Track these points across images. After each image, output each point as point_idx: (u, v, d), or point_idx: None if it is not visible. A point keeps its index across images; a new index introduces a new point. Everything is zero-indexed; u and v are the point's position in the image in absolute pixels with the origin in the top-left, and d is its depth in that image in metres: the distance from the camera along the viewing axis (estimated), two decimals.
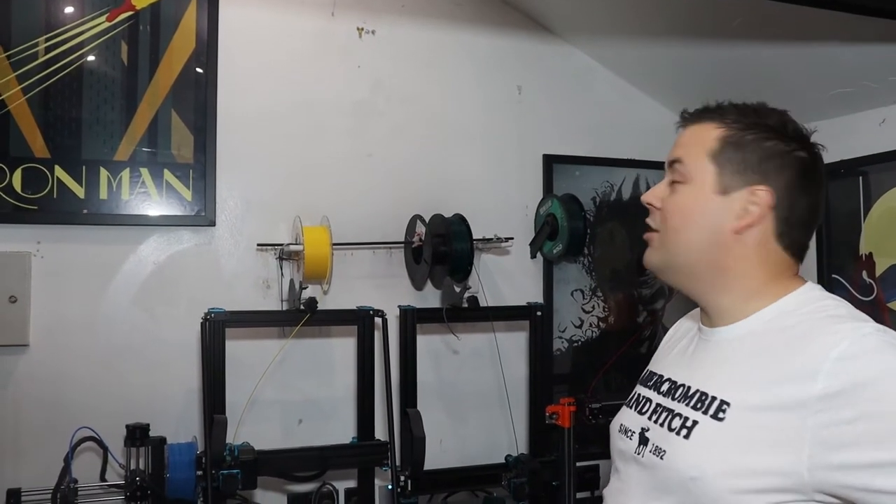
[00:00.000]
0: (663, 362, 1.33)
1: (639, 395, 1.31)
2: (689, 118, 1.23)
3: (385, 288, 2.67)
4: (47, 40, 2.42)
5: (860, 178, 2.58)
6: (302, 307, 2.35)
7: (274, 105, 2.62)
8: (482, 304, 2.57)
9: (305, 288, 2.42)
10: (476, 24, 2.87)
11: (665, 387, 1.23)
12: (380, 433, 2.43)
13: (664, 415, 1.19)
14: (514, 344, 2.81)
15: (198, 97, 2.54)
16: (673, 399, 1.19)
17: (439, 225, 2.56)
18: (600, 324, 2.99)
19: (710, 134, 1.18)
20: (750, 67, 2.58)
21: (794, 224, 1.16)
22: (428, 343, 2.69)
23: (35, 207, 2.39)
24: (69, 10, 2.44)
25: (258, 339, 2.53)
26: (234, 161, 2.56)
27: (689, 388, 1.17)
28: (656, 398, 1.24)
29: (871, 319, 1.08)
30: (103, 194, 2.45)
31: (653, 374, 1.32)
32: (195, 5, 2.55)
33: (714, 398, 1.11)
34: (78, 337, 2.40)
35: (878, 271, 2.51)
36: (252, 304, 2.52)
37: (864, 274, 2.55)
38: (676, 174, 1.20)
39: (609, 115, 3.01)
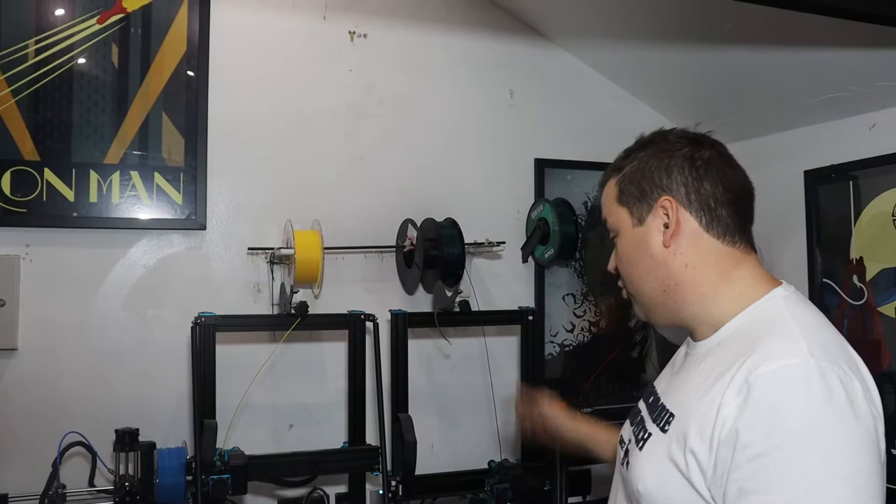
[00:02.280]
0: (661, 377, 1.36)
1: (637, 407, 1.34)
2: (600, 185, 1.34)
3: (376, 292, 2.67)
4: (37, 42, 2.41)
5: (850, 182, 2.58)
6: (293, 311, 2.34)
7: (265, 108, 2.61)
8: (474, 308, 2.56)
9: (296, 292, 2.41)
10: (468, 27, 2.87)
11: (651, 399, 1.27)
12: (371, 438, 2.42)
13: (640, 429, 1.23)
14: (505, 348, 2.81)
15: (189, 100, 2.53)
16: (649, 413, 1.23)
17: (431, 229, 2.55)
18: (592, 328, 2.99)
19: (612, 185, 1.28)
20: (740, 72, 2.59)
21: (714, 207, 1.18)
22: (419, 347, 2.68)
23: (24, 210, 2.37)
24: (60, 11, 2.43)
25: (249, 343, 2.52)
26: (225, 164, 2.55)
27: (658, 400, 1.22)
28: (643, 411, 1.27)
29: (821, 337, 1.08)
30: (93, 197, 2.43)
31: (651, 385, 1.35)
32: (186, 8, 2.54)
33: (666, 410, 1.16)
34: (67, 341, 2.39)
35: (869, 275, 2.51)
36: (243, 308, 2.51)
37: (855, 278, 2.56)
38: (610, 233, 1.30)
39: (601, 120, 3.01)
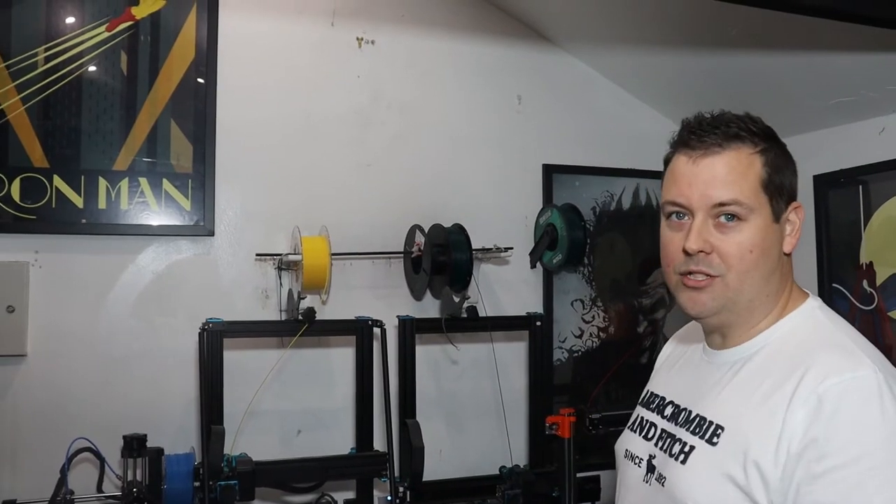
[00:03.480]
0: (664, 383, 1.31)
1: (642, 418, 1.28)
2: (714, 143, 1.12)
3: (384, 298, 2.66)
4: (47, 50, 2.42)
5: (860, 187, 2.57)
6: (300, 317, 2.34)
7: (273, 115, 2.62)
8: (481, 314, 2.56)
9: (304, 298, 2.41)
10: (475, 33, 2.87)
11: (668, 411, 1.22)
12: (379, 444, 2.42)
13: (668, 441, 1.17)
14: (513, 354, 2.80)
15: (197, 107, 2.54)
16: (676, 424, 1.18)
17: (438, 235, 2.55)
18: (600, 334, 2.98)
19: (752, 161, 1.11)
20: (749, 77, 2.58)
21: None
22: (427, 353, 2.68)
23: (33, 217, 2.38)
24: (69, 20, 2.45)
25: (257, 349, 2.52)
26: (234, 171, 2.56)
27: (690, 412, 1.16)
28: (661, 423, 1.22)
29: (870, 349, 1.06)
30: (102, 204, 2.44)
31: (654, 395, 1.29)
32: (195, 15, 2.55)
33: (711, 423, 1.10)
34: (76, 347, 2.39)
35: (879, 280, 2.50)
36: (251, 314, 2.51)
37: (865, 283, 2.54)
38: (731, 214, 1.11)
39: (609, 125, 3.01)
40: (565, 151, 2.94)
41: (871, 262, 2.53)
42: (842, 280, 2.63)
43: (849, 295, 2.60)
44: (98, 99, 2.47)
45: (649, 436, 1.22)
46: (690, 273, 1.13)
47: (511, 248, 2.69)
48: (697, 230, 1.11)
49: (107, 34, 2.48)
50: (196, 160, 2.53)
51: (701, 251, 1.11)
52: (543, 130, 2.94)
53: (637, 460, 1.23)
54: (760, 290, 1.11)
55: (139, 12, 2.52)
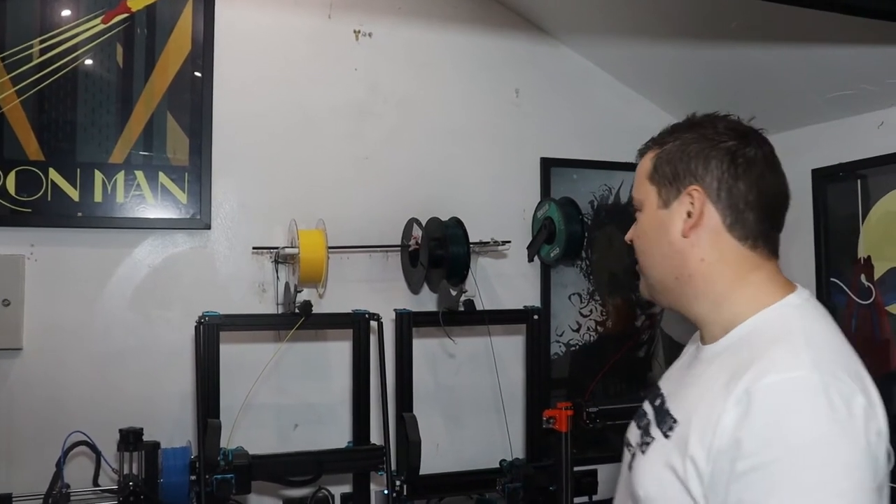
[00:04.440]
0: (667, 377, 1.34)
1: (641, 409, 1.31)
2: (639, 154, 1.28)
3: (381, 291, 2.66)
4: (42, 42, 2.41)
5: (858, 181, 2.56)
6: (297, 311, 2.33)
7: (270, 107, 2.61)
8: (479, 307, 2.55)
9: (301, 291, 2.40)
10: (473, 26, 2.86)
11: (657, 402, 1.24)
12: (375, 437, 2.41)
13: (645, 434, 1.22)
14: (511, 348, 2.79)
15: (193, 99, 2.53)
16: (655, 416, 1.21)
17: (436, 228, 2.54)
18: (598, 328, 2.98)
19: (647, 160, 1.23)
20: (747, 70, 2.57)
21: (742, 210, 1.14)
22: (424, 347, 2.67)
23: (29, 210, 2.37)
24: (64, 12, 2.43)
25: (253, 342, 2.51)
26: (230, 164, 2.55)
27: (665, 405, 1.20)
28: (649, 415, 1.25)
29: (829, 350, 1.06)
30: (98, 197, 2.43)
31: (656, 387, 1.32)
32: (191, 7, 2.54)
33: (671, 416, 1.14)
34: (72, 340, 2.39)
35: (877, 275, 2.50)
36: (247, 307, 2.51)
37: (863, 277, 2.54)
38: (635, 206, 1.28)
39: (607, 119, 3.00)
40: (563, 145, 2.93)
41: (868, 257, 2.53)
42: (839, 274, 2.63)
43: (846, 289, 2.60)
44: (94, 91, 2.46)
45: (640, 425, 1.26)
46: None
47: (508, 242, 2.68)
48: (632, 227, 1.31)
49: (102, 26, 2.47)
50: (192, 153, 2.52)
51: (628, 242, 1.31)
52: (541, 124, 2.93)
53: (629, 448, 1.28)
54: (667, 270, 1.20)
55: (135, 4, 2.51)
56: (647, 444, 1.17)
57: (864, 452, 0.96)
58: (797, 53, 2.36)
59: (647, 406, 1.28)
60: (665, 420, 1.15)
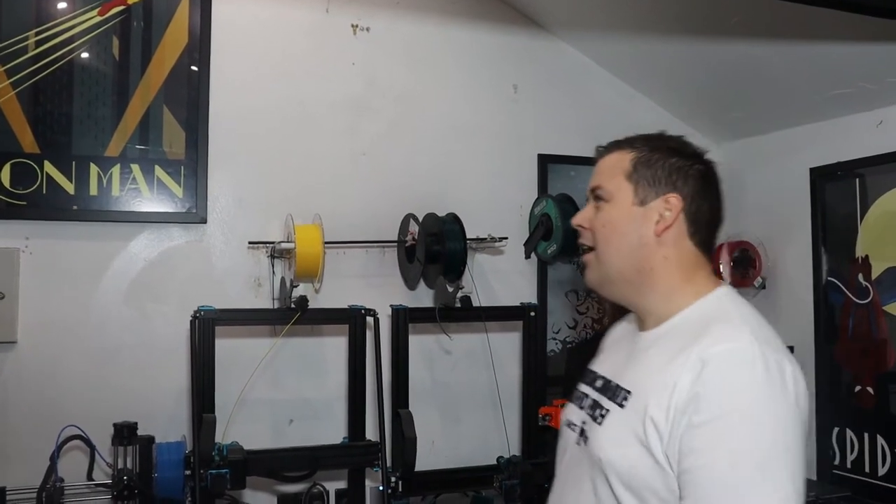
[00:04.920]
0: (602, 362, 1.47)
1: (580, 391, 1.44)
2: (604, 150, 1.41)
3: (377, 287, 2.65)
4: (38, 34, 2.40)
5: (857, 180, 2.56)
6: (293, 305, 2.32)
7: (267, 102, 2.60)
8: (475, 304, 2.54)
9: (297, 286, 2.39)
10: (472, 21, 2.85)
11: (599, 383, 1.38)
12: (371, 434, 2.41)
13: (594, 408, 1.34)
14: (507, 345, 2.79)
15: (190, 93, 2.52)
16: (601, 394, 1.35)
17: (433, 224, 2.54)
18: (595, 325, 2.97)
19: (623, 159, 1.35)
20: (746, 68, 2.57)
21: (703, 224, 1.33)
22: (420, 343, 2.66)
23: (24, 203, 2.36)
24: (60, 4, 2.42)
25: (249, 337, 2.51)
26: (226, 158, 2.54)
27: (612, 383, 1.34)
28: (592, 394, 1.38)
29: (759, 327, 1.24)
30: (94, 190, 2.42)
31: (591, 372, 1.45)
32: (188, 0, 2.53)
33: (622, 388, 1.29)
34: (67, 334, 2.38)
35: (874, 274, 2.49)
36: (243, 302, 2.50)
37: (860, 277, 2.54)
38: (598, 197, 1.37)
39: (605, 115, 2.98)
40: (561, 141, 2.92)
41: (866, 256, 2.52)
42: (837, 273, 2.62)
43: (844, 289, 2.59)
44: (90, 84, 2.45)
45: (582, 405, 1.39)
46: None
47: (505, 238, 2.68)
48: (580, 212, 1.42)
49: (98, 18, 2.46)
50: (189, 147, 2.51)
51: (580, 226, 1.40)
52: (539, 120, 2.93)
53: (573, 426, 1.39)
54: (630, 262, 1.32)
55: None
56: (602, 415, 1.29)
57: (794, 407, 1.16)
58: (797, 51, 2.36)
59: (585, 388, 1.42)
60: (617, 393, 1.29)
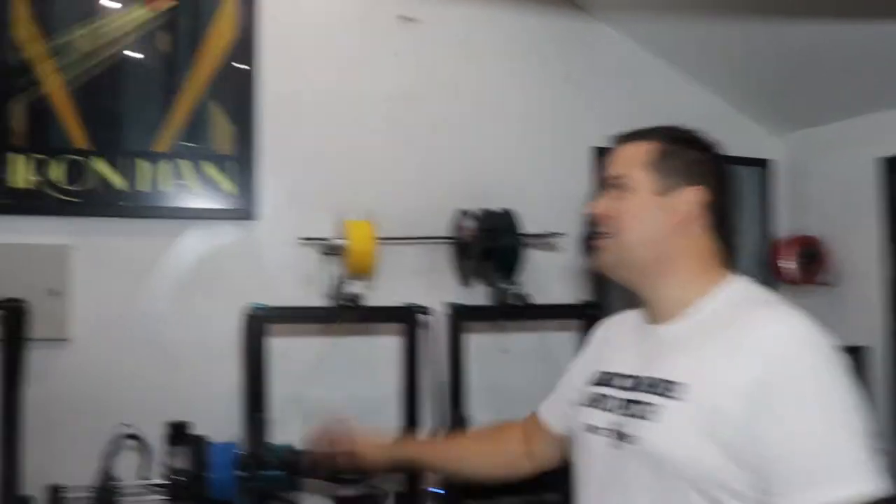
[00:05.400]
0: (611, 360, 1.44)
1: (599, 394, 1.40)
2: (624, 139, 1.42)
3: (430, 285, 2.59)
4: (88, 29, 2.37)
5: None
6: (345, 303, 2.27)
7: (315, 95, 2.55)
8: (531, 301, 2.47)
9: (349, 283, 2.34)
10: (521, 9, 2.78)
11: (628, 383, 1.34)
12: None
13: (634, 406, 1.30)
14: (565, 344, 2.70)
15: (238, 87, 2.48)
16: (639, 391, 1.31)
17: (488, 219, 2.47)
18: None
19: (644, 149, 1.36)
20: (811, 51, 2.45)
21: (721, 215, 1.36)
22: (475, 341, 2.58)
23: (75, 199, 2.34)
24: None
25: (300, 335, 2.46)
26: (276, 153, 2.49)
27: (650, 378, 1.30)
28: (622, 394, 1.34)
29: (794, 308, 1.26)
30: (143, 186, 2.39)
31: (607, 373, 1.42)
32: None
33: (674, 382, 1.25)
34: (118, 331, 2.35)
35: None
36: (294, 299, 2.44)
37: None
38: (619, 187, 1.36)
39: (659, 105, 2.85)
40: (616, 132, 2.83)
41: None
42: None
43: None
44: (138, 79, 2.42)
45: (608, 407, 1.35)
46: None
47: (562, 234, 2.60)
48: (596, 201, 1.40)
49: (146, 13, 2.43)
50: (237, 142, 2.47)
51: (600, 214, 1.37)
52: (592, 110, 2.84)
53: (600, 431, 1.35)
54: (649, 250, 1.33)
55: None
56: (653, 412, 1.25)
57: (847, 380, 1.17)
58: (865, 31, 2.24)
59: (602, 389, 1.39)
60: (668, 387, 1.25)
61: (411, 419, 2.32)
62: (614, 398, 1.36)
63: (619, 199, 1.35)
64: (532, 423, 1.71)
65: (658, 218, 1.33)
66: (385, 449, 1.86)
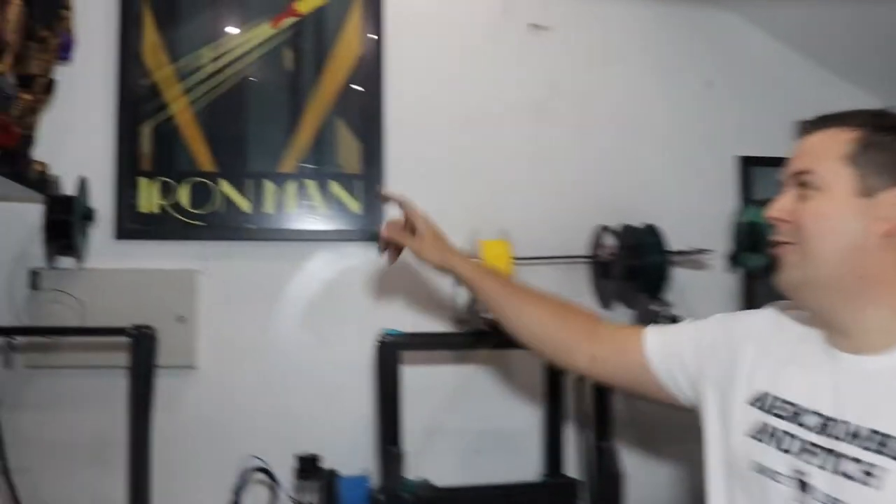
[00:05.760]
0: (777, 382, 1.18)
1: (769, 426, 1.16)
2: (811, 127, 1.19)
3: None
4: (212, 50, 2.33)
5: None
6: (483, 328, 2.12)
7: (443, 110, 2.43)
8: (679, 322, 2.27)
9: (484, 308, 2.19)
10: (656, 13, 2.59)
11: (813, 421, 1.10)
12: (571, 469, 2.17)
13: (829, 458, 1.06)
14: None
15: (365, 104, 2.39)
16: (836, 439, 1.06)
17: (630, 236, 2.29)
18: None
19: (840, 139, 1.13)
20: None
21: None
22: None
23: (202, 223, 2.28)
24: (234, 17, 2.35)
25: (434, 363, 2.33)
26: (404, 171, 2.38)
27: (852, 425, 1.05)
28: (804, 434, 1.11)
29: None
30: (269, 208, 2.32)
31: (775, 398, 1.17)
32: (359, 6, 2.40)
33: (891, 437, 1.00)
34: (244, 359, 2.28)
35: None
36: (425, 325, 2.32)
37: None
38: (805, 184, 1.14)
39: (812, 111, 2.65)
40: (764, 141, 2.60)
41: None
42: None
43: None
44: (263, 98, 2.36)
45: (785, 446, 1.12)
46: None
47: (708, 251, 2.38)
48: (776, 201, 1.18)
49: (270, 31, 2.36)
50: (365, 160, 2.37)
51: (778, 219, 1.15)
52: (737, 117, 2.62)
53: (778, 476, 1.12)
54: (844, 266, 1.09)
55: (303, 7, 2.39)
56: (875, 475, 0.99)
57: None
58: None
59: (782, 424, 1.14)
60: (880, 441, 1.00)
61: (554, 452, 2.16)
62: (794, 437, 1.12)
63: (806, 199, 1.13)
64: (626, 333, 1.47)
65: (859, 225, 1.09)
66: (444, 252, 1.65)
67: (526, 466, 2.28)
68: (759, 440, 1.17)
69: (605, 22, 2.56)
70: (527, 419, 2.35)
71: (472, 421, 2.35)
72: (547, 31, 2.51)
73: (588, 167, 2.50)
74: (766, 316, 1.30)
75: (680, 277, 2.48)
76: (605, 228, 2.37)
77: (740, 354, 1.27)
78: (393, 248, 1.65)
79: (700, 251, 2.36)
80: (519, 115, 2.47)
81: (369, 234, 2.31)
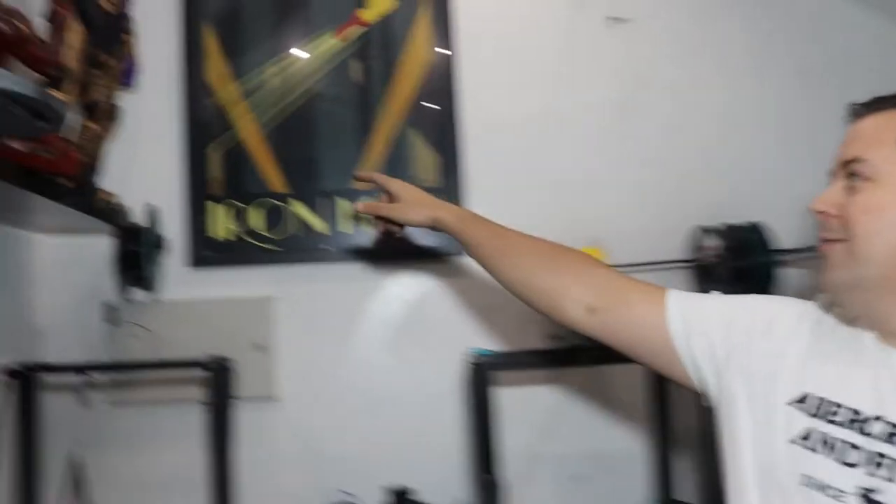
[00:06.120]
0: (822, 381, 1.05)
1: (819, 433, 1.01)
2: (863, 110, 1.09)
3: None
4: (276, 65, 2.24)
5: None
6: (578, 343, 1.96)
7: (521, 113, 2.29)
8: None
9: None
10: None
11: (877, 429, 0.98)
12: (681, 493, 1.99)
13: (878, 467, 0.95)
14: None
15: (438, 112, 2.26)
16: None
17: (734, 235, 2.11)
18: None
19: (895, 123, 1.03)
20: None
21: None
22: None
23: (276, 248, 2.19)
24: (297, 31, 2.26)
25: (526, 384, 2.18)
26: (484, 180, 2.25)
27: None
28: (866, 443, 0.98)
29: None
30: (345, 228, 2.21)
31: (824, 400, 1.03)
32: (427, 11, 2.29)
33: None
34: (327, 387, 2.18)
35: None
36: (514, 343, 2.17)
37: None
38: (855, 174, 1.04)
39: None
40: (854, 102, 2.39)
41: None
42: None
43: None
44: (333, 114, 2.26)
45: (850, 459, 0.98)
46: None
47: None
48: (823, 192, 1.09)
49: (336, 42, 2.27)
50: (442, 171, 2.24)
51: (824, 213, 1.07)
52: (838, 104, 2.41)
53: (834, 492, 0.98)
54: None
55: (368, 15, 2.29)
56: None
57: None
58: None
59: (838, 431, 1.00)
60: None
61: (664, 475, 1.98)
62: (855, 447, 0.98)
63: (856, 191, 1.03)
64: (643, 291, 1.25)
65: None
66: (426, 207, 1.45)
67: (633, 492, 2.11)
68: (812, 449, 1.02)
69: (688, 9, 2.38)
70: (631, 440, 2.18)
71: (571, 444, 2.19)
72: (627, 23, 2.35)
73: (681, 165, 2.32)
74: (810, 310, 1.15)
75: (789, 279, 2.28)
76: (706, 229, 2.19)
77: (782, 349, 1.11)
78: (382, 225, 1.50)
79: (809, 249, 2.16)
80: (601, 114, 2.32)
81: (450, 249, 2.18)
